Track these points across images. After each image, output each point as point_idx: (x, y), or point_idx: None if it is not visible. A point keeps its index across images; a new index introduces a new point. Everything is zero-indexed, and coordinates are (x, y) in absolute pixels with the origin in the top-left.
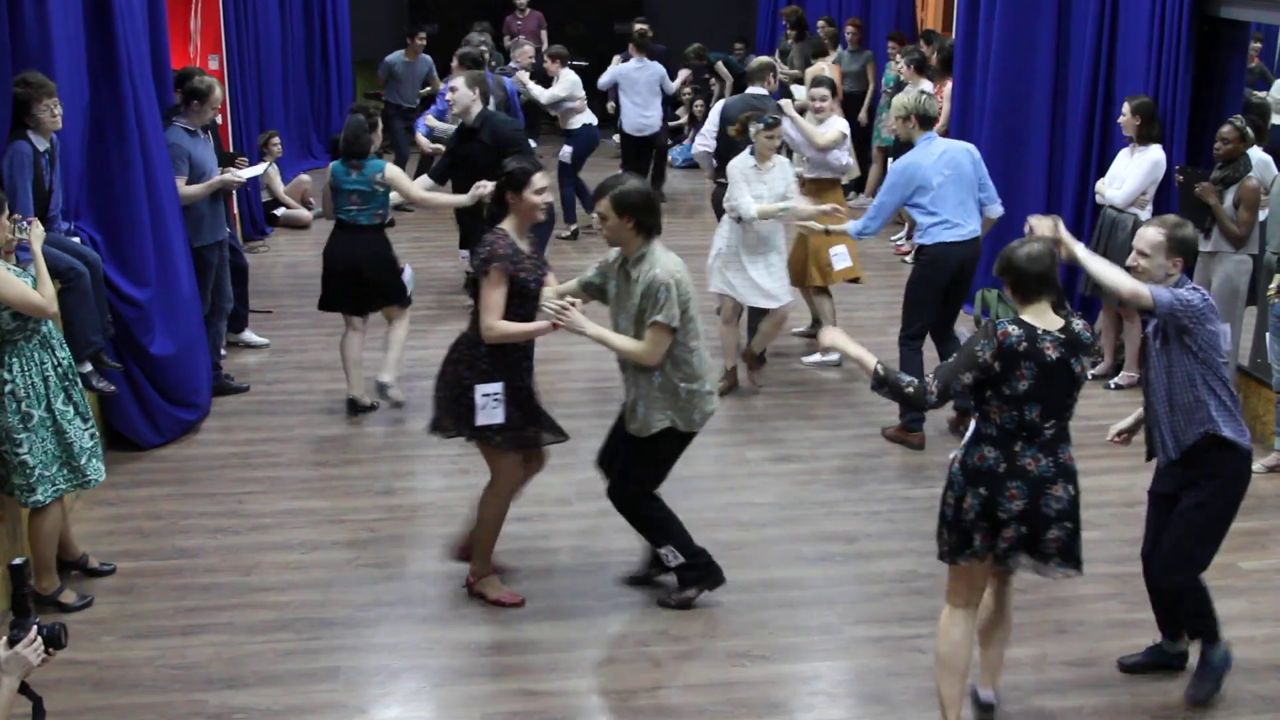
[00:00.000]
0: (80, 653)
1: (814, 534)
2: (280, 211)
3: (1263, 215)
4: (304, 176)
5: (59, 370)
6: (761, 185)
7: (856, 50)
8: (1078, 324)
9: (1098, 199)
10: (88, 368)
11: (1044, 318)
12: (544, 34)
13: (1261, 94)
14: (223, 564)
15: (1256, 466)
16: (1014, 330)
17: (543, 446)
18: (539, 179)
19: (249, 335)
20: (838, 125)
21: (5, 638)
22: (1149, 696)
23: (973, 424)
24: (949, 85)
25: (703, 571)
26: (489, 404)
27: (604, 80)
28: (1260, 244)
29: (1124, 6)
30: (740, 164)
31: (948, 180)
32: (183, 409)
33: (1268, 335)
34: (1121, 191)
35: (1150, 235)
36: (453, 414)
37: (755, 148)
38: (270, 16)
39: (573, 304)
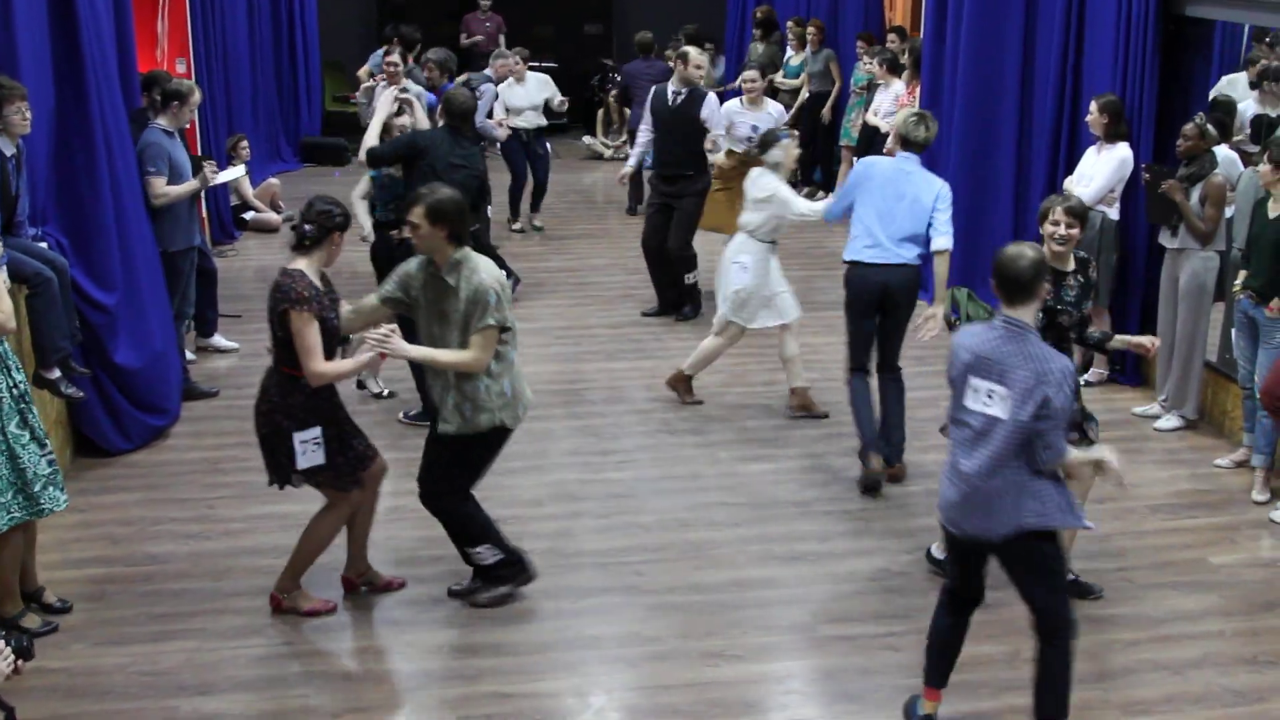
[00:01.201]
0: (51, 661)
1: (787, 534)
2: (249, 215)
3: (1229, 212)
4: (273, 180)
5: (14, 393)
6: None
7: (818, 50)
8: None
9: None
10: (56, 374)
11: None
12: (502, 37)
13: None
14: (194, 570)
15: (1224, 462)
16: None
17: (373, 463)
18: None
19: (218, 340)
20: (775, 107)
21: None
22: (1121, 692)
23: None
24: (919, 86)
25: (517, 567)
26: (308, 449)
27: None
28: (1227, 241)
29: (1091, 6)
30: (771, 181)
31: (882, 197)
32: (152, 415)
33: (1234, 331)
34: (1089, 189)
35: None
36: (282, 465)
37: (784, 163)
38: (238, 19)
39: (393, 330)
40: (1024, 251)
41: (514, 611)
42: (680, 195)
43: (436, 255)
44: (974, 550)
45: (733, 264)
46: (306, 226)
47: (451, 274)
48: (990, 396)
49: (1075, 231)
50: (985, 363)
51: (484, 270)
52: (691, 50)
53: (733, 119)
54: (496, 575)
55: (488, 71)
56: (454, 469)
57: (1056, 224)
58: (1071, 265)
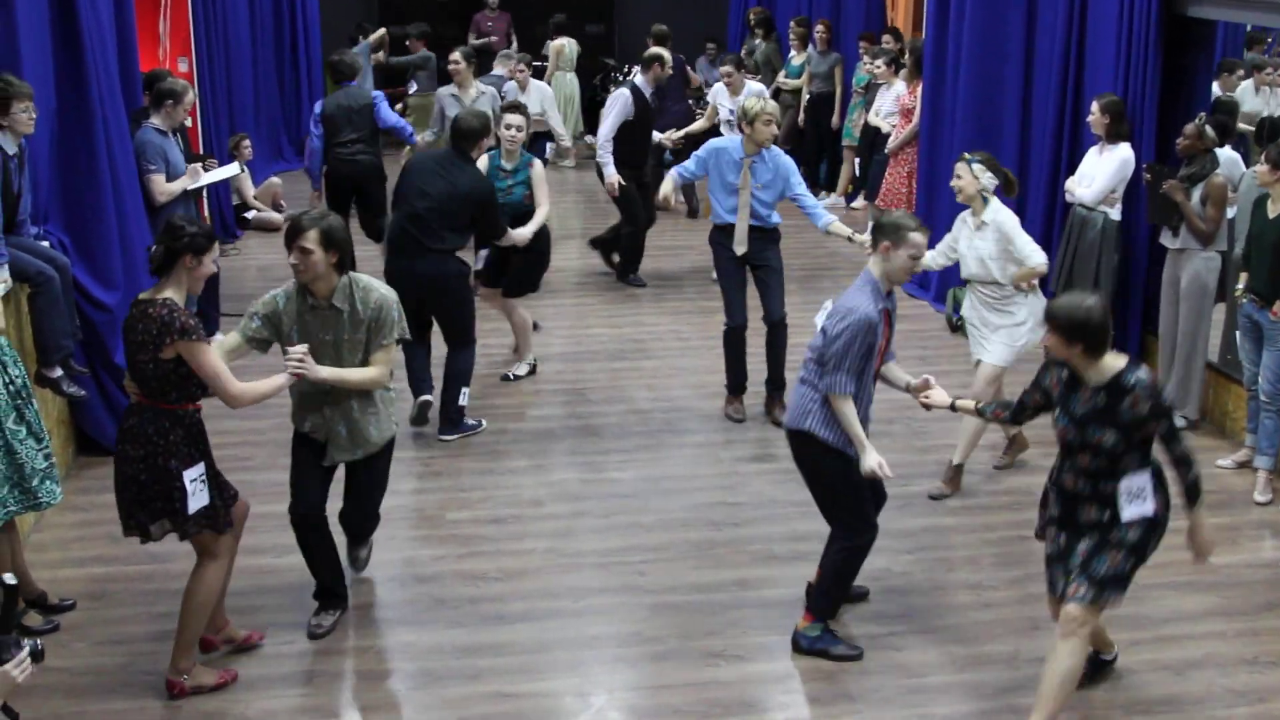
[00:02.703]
0: (53, 660)
1: (787, 533)
2: (251, 215)
3: (1231, 212)
4: (275, 179)
5: (10, 389)
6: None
7: (825, 51)
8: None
9: (1067, 197)
10: (58, 372)
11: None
12: (513, 35)
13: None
14: None
15: (1226, 462)
16: (1143, 370)
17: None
18: (217, 248)
19: (220, 339)
20: (755, 86)
21: None
22: (1122, 693)
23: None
24: (920, 85)
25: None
26: (196, 488)
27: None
28: (1229, 241)
29: (1093, 6)
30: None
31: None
32: None
33: (1238, 335)
34: (1091, 190)
35: None
36: (165, 511)
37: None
38: (240, 19)
39: (306, 352)
40: (891, 214)
41: (515, 611)
42: (642, 176)
43: (320, 283)
44: None
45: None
46: (154, 247)
47: (342, 299)
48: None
49: (1053, 344)
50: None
51: (378, 286)
52: (667, 54)
53: (719, 99)
54: (336, 593)
55: (499, 71)
56: (383, 480)
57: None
58: (1096, 380)
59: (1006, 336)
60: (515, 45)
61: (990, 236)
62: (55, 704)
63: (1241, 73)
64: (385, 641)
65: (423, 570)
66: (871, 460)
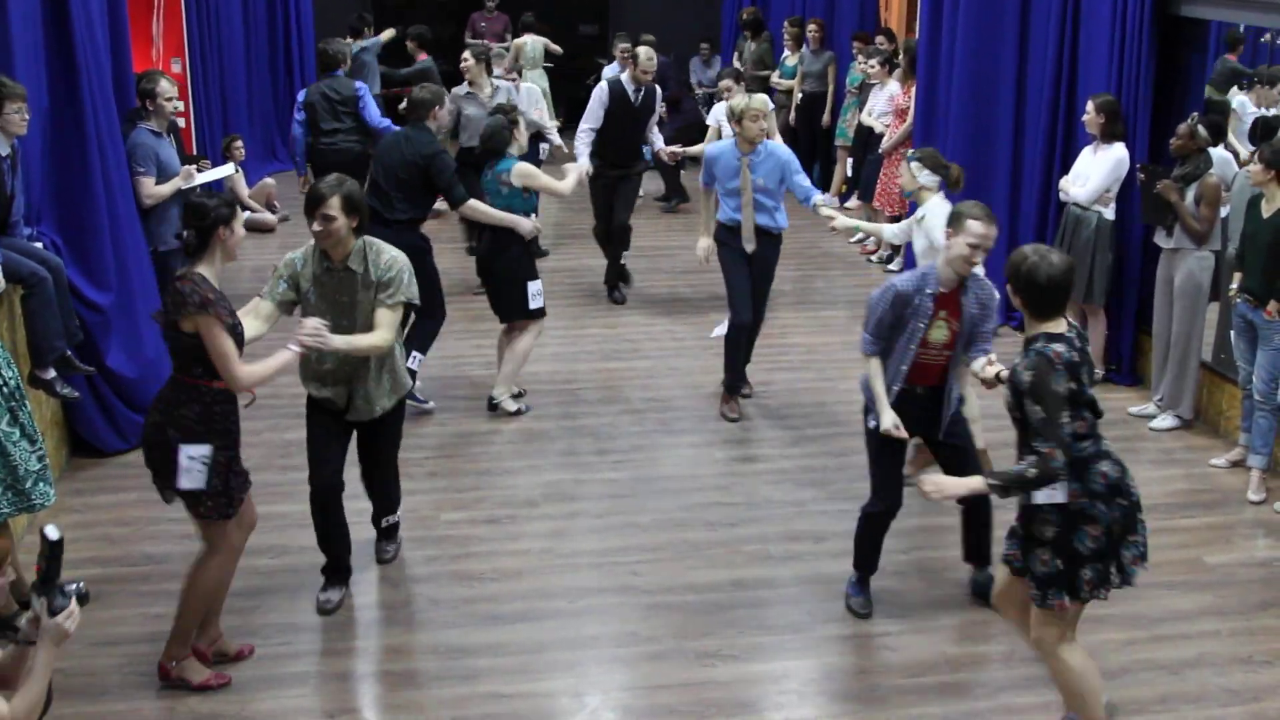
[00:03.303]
0: None
1: (783, 533)
2: (245, 215)
3: (1225, 212)
4: (268, 179)
5: (4, 390)
6: None
7: (818, 51)
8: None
9: (1061, 196)
10: (51, 374)
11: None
12: (509, 36)
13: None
14: None
15: (1219, 461)
16: (1061, 347)
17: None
18: (242, 214)
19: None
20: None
21: (45, 606)
22: (1118, 692)
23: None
24: (914, 85)
25: None
26: (194, 467)
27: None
28: (1223, 240)
29: (1086, 6)
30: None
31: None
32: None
33: (1232, 334)
34: (1085, 189)
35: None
36: (162, 476)
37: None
38: (233, 19)
39: (323, 324)
40: (962, 203)
41: (511, 611)
42: (626, 178)
43: (339, 247)
44: None
45: None
46: (186, 233)
47: (357, 261)
48: None
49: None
50: None
51: (389, 248)
52: (642, 51)
53: (720, 121)
54: (395, 531)
55: (496, 71)
56: (398, 434)
57: None
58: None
59: None
60: (509, 44)
61: (922, 232)
62: (50, 705)
63: None
64: (381, 642)
65: (418, 571)
66: (887, 420)
